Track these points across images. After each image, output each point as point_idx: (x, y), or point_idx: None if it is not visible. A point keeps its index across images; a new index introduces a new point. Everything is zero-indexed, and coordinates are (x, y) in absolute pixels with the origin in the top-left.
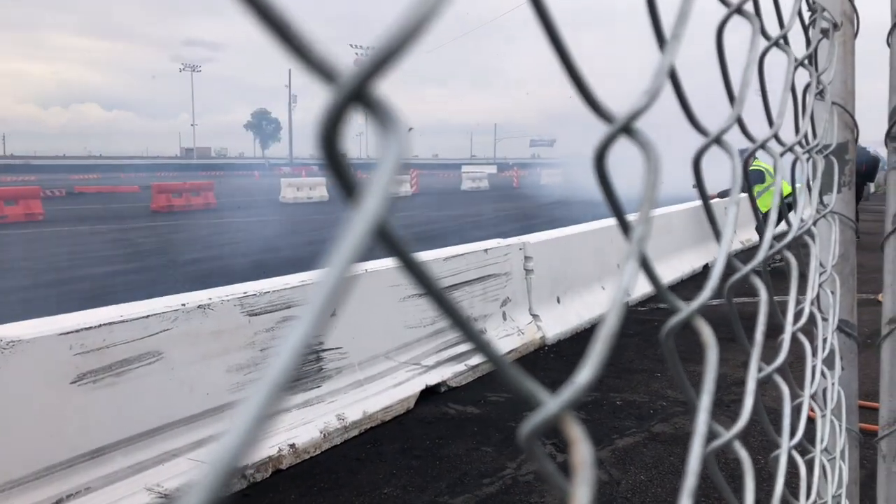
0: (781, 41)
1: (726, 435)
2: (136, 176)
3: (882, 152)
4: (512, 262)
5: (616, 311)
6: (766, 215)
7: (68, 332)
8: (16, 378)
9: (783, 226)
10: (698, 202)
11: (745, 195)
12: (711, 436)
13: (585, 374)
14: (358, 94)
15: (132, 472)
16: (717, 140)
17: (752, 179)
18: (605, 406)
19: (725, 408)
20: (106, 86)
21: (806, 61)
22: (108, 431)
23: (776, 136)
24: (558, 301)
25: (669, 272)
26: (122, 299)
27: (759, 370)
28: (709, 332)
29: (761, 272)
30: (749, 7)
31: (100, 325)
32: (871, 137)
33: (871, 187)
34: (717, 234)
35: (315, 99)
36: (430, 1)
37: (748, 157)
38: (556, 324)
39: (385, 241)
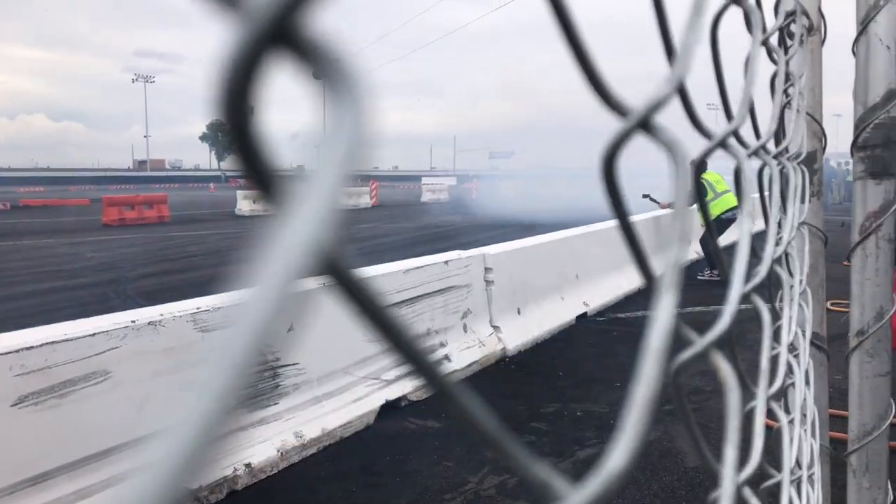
0: (764, 42)
1: (736, 479)
2: (87, 189)
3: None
4: (472, 273)
5: (656, 364)
6: (707, 225)
7: (7, 353)
8: None
9: (733, 237)
10: (658, 212)
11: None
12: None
13: (619, 456)
14: (281, 31)
15: (78, 497)
16: (723, 143)
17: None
18: (566, 417)
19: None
20: (54, 96)
21: (786, 66)
22: (51, 455)
23: (764, 146)
24: (519, 312)
25: (626, 283)
26: (68, 316)
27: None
28: (729, 372)
29: (759, 293)
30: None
31: (42, 345)
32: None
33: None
34: (712, 260)
35: (272, 111)
36: None
37: (698, 164)
38: (517, 335)
39: (330, 268)
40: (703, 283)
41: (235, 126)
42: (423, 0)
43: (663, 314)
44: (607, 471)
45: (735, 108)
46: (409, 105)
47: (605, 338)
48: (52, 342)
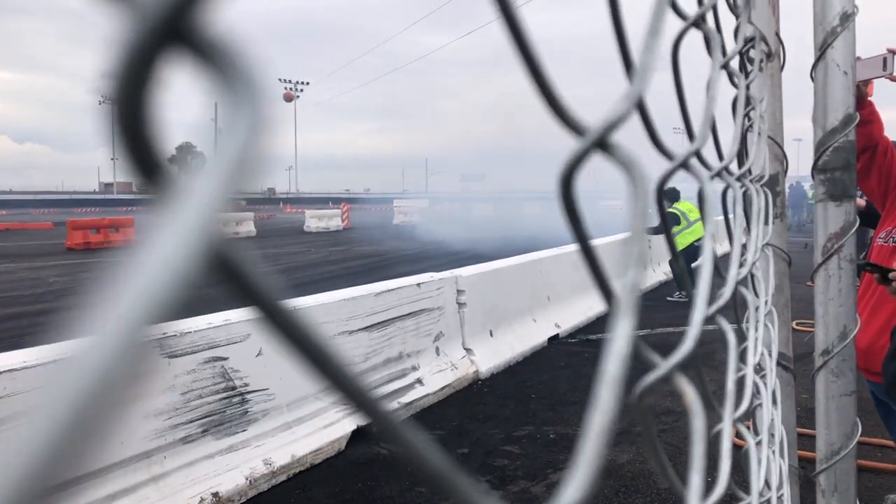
0: (725, 66)
1: None
2: (50, 212)
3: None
4: (445, 295)
5: (611, 392)
6: (679, 253)
7: None
8: None
9: (732, 254)
10: (623, 235)
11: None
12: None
13: (574, 490)
14: (175, 28)
15: None
16: (684, 164)
17: (669, 221)
18: (538, 440)
19: (657, 438)
20: (18, 118)
21: (746, 90)
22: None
23: (727, 168)
24: (491, 334)
25: (597, 304)
26: (29, 343)
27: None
28: (693, 396)
29: (725, 314)
30: (707, 22)
31: (1, 372)
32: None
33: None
34: (680, 283)
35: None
36: None
37: (662, 190)
38: (490, 357)
39: (224, 271)
40: (673, 304)
41: (127, 123)
42: (394, 26)
43: (620, 339)
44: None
45: (698, 130)
46: (380, 129)
47: (576, 359)
48: (12, 370)
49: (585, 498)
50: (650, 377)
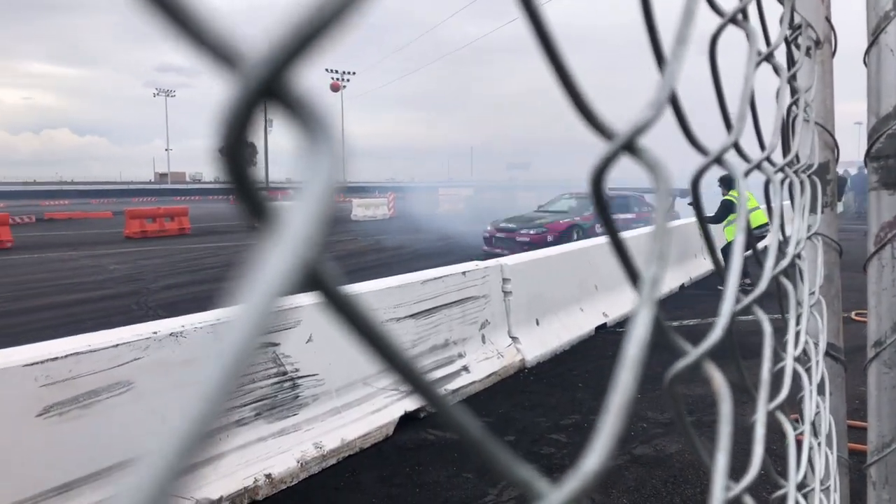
0: (767, 58)
1: (736, 488)
2: (109, 202)
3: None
4: (490, 284)
5: (631, 372)
6: (731, 242)
7: (33, 364)
8: None
9: (769, 245)
10: (674, 223)
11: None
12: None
13: (595, 458)
14: (270, 88)
15: None
16: (718, 160)
17: (725, 209)
18: (585, 428)
19: (707, 428)
20: (79, 112)
21: (789, 81)
22: (76, 465)
23: (769, 158)
24: (537, 323)
25: None
26: (92, 328)
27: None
28: (721, 381)
29: (761, 304)
30: (742, 17)
31: (66, 356)
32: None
33: (840, 206)
34: (720, 271)
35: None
36: None
37: (745, 174)
38: (536, 346)
39: (315, 283)
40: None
41: (231, 165)
42: (438, 14)
43: (640, 327)
44: (583, 472)
45: (734, 125)
46: (426, 118)
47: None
48: (77, 353)
49: (604, 466)
50: (679, 364)
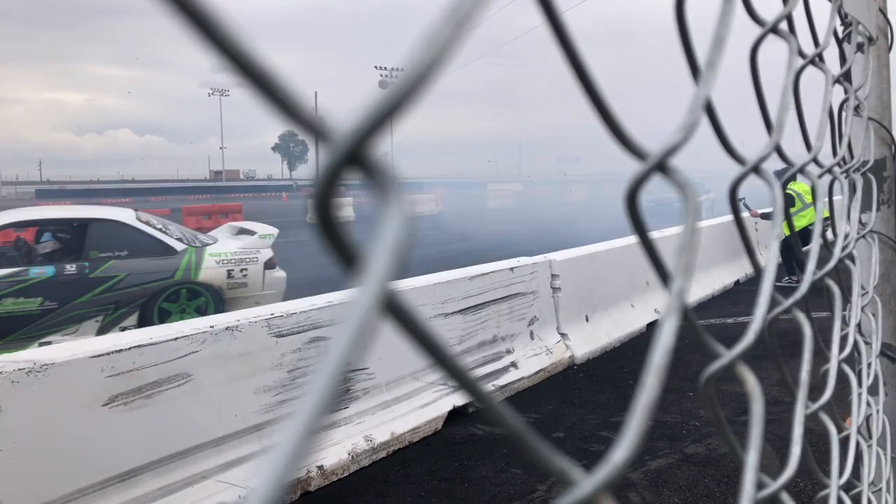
0: (817, 59)
1: (773, 485)
2: (167, 199)
3: None
4: (539, 280)
5: (656, 377)
6: (788, 237)
7: (99, 355)
8: (49, 400)
9: (811, 248)
10: (729, 217)
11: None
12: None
13: (622, 451)
14: (353, 157)
15: (162, 494)
16: (756, 169)
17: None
18: None
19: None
20: (138, 112)
21: (843, 79)
22: (139, 453)
23: (815, 159)
24: (587, 320)
25: (699, 289)
26: (152, 322)
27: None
28: (754, 382)
29: (802, 304)
30: (784, 26)
31: (130, 348)
32: None
33: None
34: (756, 268)
35: (341, 119)
36: (433, 52)
37: (787, 180)
38: (585, 343)
39: (393, 313)
40: (780, 289)
41: (324, 222)
42: (487, 8)
43: (666, 336)
44: (612, 463)
45: (772, 135)
46: (473, 112)
47: (677, 346)
48: (140, 345)
49: (630, 459)
50: (713, 366)
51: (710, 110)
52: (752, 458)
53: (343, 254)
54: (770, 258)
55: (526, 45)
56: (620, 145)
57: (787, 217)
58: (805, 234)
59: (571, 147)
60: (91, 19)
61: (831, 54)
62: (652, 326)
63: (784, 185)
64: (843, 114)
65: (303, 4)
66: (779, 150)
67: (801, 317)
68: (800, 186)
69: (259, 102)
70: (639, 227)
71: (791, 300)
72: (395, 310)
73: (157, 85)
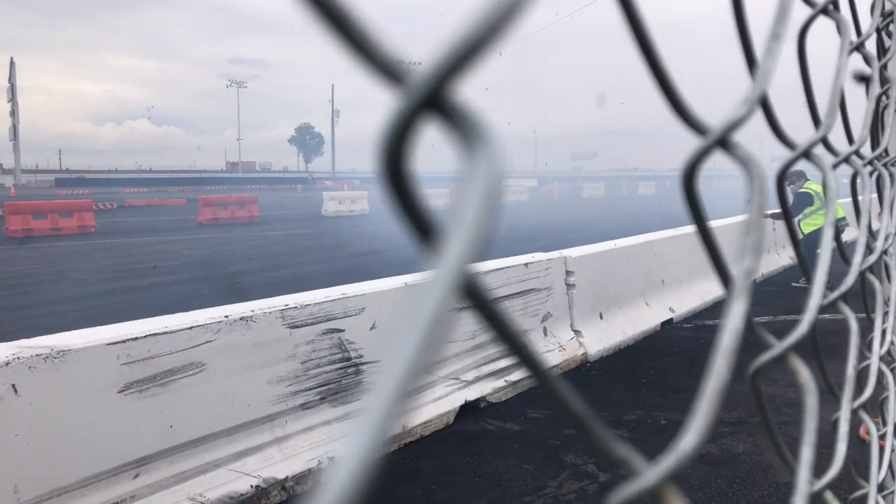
0: (858, 48)
1: (818, 483)
2: (184, 189)
3: None
4: (553, 276)
5: (725, 360)
6: (808, 236)
7: (115, 343)
8: (65, 387)
9: (859, 241)
10: (745, 216)
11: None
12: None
13: (691, 438)
14: (433, 99)
15: (176, 481)
16: (806, 154)
17: (801, 202)
18: (649, 425)
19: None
20: (157, 103)
21: (882, 69)
22: (152, 441)
23: (858, 151)
24: (601, 317)
25: (715, 288)
26: (167, 310)
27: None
28: (807, 375)
29: (845, 301)
30: (832, 7)
31: (145, 336)
32: None
33: None
34: (805, 269)
35: (356, 115)
36: None
37: (836, 164)
38: (599, 340)
39: (471, 297)
40: (798, 290)
41: (393, 177)
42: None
43: (735, 317)
44: (679, 450)
45: (823, 118)
46: (489, 108)
47: (691, 345)
48: (155, 334)
49: (699, 446)
50: (764, 356)
51: (763, 97)
52: (806, 455)
53: (417, 221)
54: (825, 246)
55: (542, 40)
56: (680, 119)
57: (791, 218)
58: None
59: (588, 143)
60: (110, 8)
61: (868, 46)
62: (666, 325)
63: (780, 178)
64: (883, 107)
65: None
66: (824, 140)
67: (847, 310)
68: (817, 186)
69: (329, 39)
70: (694, 206)
71: (837, 292)
72: (472, 293)
73: (175, 76)
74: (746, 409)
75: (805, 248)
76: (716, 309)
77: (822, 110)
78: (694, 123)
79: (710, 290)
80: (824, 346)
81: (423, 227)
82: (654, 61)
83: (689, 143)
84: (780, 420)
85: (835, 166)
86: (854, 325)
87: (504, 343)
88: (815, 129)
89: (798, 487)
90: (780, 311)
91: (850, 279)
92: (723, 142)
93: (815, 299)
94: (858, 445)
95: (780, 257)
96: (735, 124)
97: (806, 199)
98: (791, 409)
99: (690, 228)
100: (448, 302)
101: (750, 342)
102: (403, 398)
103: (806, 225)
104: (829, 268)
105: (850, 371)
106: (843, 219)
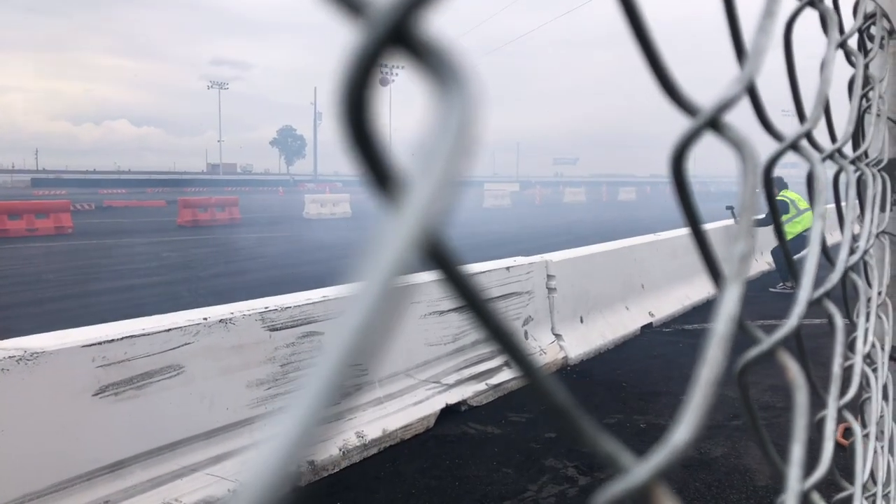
0: (842, 45)
1: (807, 482)
2: (163, 191)
3: None
4: (534, 280)
5: (719, 348)
6: (786, 243)
7: (91, 345)
8: (38, 389)
9: (844, 237)
10: (714, 224)
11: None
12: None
13: (683, 431)
14: (398, 32)
15: (151, 486)
16: (794, 146)
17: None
18: (628, 429)
19: (745, 433)
20: (136, 103)
21: (864, 69)
22: (128, 444)
23: (840, 150)
24: (581, 321)
25: (694, 293)
26: (145, 312)
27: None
28: (796, 370)
29: (828, 298)
30: (824, 5)
31: (122, 338)
32: None
33: None
34: (792, 269)
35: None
36: None
37: (825, 157)
38: (579, 344)
39: (435, 257)
40: (775, 295)
41: (352, 116)
42: (486, 9)
43: (729, 303)
44: (672, 444)
45: (809, 112)
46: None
47: (671, 349)
48: (132, 336)
49: (693, 438)
50: (753, 351)
51: (751, 88)
52: (796, 452)
53: (377, 172)
54: (814, 242)
55: (524, 47)
56: (669, 99)
57: (778, 223)
58: (799, 241)
59: (570, 149)
60: (92, 8)
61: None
62: (646, 329)
63: (766, 173)
64: (863, 109)
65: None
66: (809, 137)
67: (832, 307)
68: (792, 194)
69: None
70: (682, 190)
71: (823, 289)
72: (437, 255)
73: (156, 76)
74: (724, 412)
75: (777, 254)
76: (695, 314)
77: (806, 106)
78: (684, 103)
79: (690, 294)
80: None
81: (383, 174)
82: (643, 35)
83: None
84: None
85: (823, 160)
86: (839, 323)
87: (480, 323)
88: (799, 121)
89: (789, 486)
90: (757, 315)
91: (835, 276)
92: (714, 123)
93: (805, 291)
94: (836, 449)
95: (758, 262)
96: (727, 104)
97: (781, 208)
98: (766, 413)
99: (670, 234)
100: (404, 262)
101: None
102: (323, 412)
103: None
104: (791, 275)
105: (836, 369)
106: (808, 229)
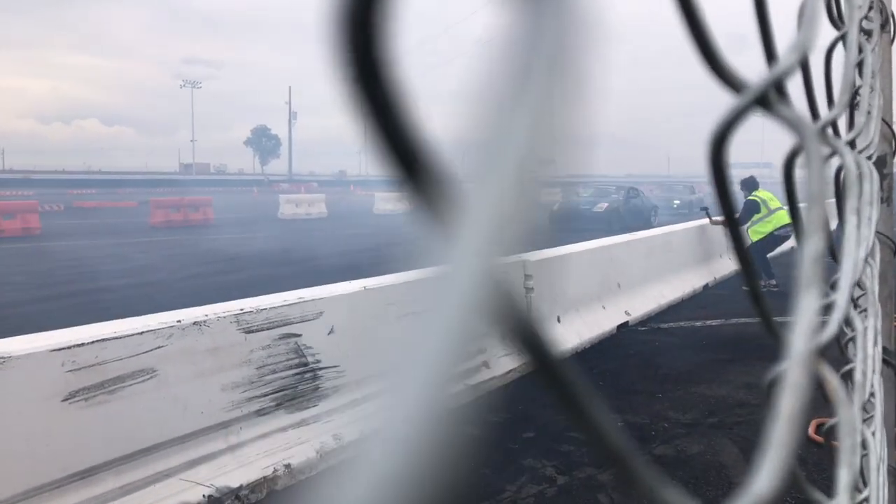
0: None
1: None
2: (135, 191)
3: None
4: (512, 279)
5: (801, 373)
6: (756, 244)
7: (60, 349)
8: (5, 395)
9: (847, 232)
10: (699, 222)
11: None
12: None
13: (765, 478)
14: None
15: (123, 492)
16: (822, 132)
17: (749, 210)
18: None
19: (728, 430)
20: (107, 102)
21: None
22: (99, 451)
23: (834, 124)
24: (559, 320)
25: (670, 291)
26: (117, 315)
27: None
28: (837, 384)
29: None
30: None
31: (92, 342)
32: None
33: None
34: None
35: (314, 117)
36: None
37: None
38: (556, 343)
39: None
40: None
41: (360, 64)
42: (462, 9)
43: (805, 314)
44: (753, 494)
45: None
46: (446, 112)
47: (646, 348)
48: (103, 339)
49: (778, 488)
50: (786, 363)
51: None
52: (843, 477)
53: (397, 142)
54: (848, 235)
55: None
56: (712, 72)
57: (732, 224)
58: (770, 241)
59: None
60: (59, 6)
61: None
62: (622, 328)
63: (744, 187)
64: (857, 102)
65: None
66: (834, 126)
67: (853, 311)
68: (764, 194)
69: None
70: (720, 179)
71: (849, 285)
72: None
73: (127, 75)
74: (701, 410)
75: (755, 253)
76: (670, 312)
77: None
78: (729, 78)
79: (665, 293)
80: (747, 350)
81: (408, 156)
82: (688, 5)
83: (649, 150)
84: (732, 421)
85: (829, 157)
86: (860, 326)
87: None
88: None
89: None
90: (732, 314)
91: (852, 279)
92: (763, 100)
93: (843, 294)
94: (806, 445)
95: (732, 261)
96: (780, 76)
97: (753, 207)
98: (742, 410)
99: (646, 233)
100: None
101: (725, 356)
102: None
103: (753, 233)
104: (787, 270)
105: (859, 377)
106: (789, 225)
